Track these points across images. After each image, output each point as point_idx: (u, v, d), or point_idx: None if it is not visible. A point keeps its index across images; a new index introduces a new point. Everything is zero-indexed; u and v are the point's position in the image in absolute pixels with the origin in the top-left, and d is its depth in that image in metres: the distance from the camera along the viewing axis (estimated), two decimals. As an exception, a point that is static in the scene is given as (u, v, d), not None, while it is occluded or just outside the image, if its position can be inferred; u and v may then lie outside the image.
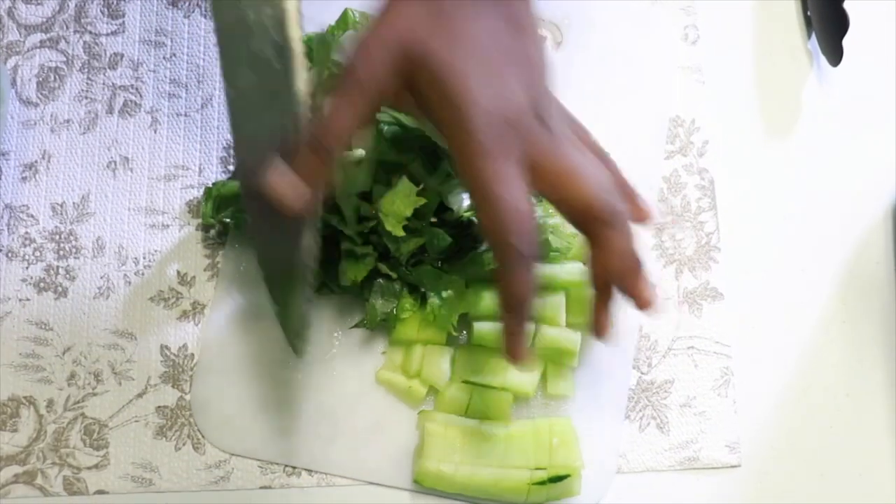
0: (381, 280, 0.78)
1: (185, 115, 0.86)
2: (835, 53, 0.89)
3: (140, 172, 0.84)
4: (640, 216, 0.69)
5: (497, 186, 0.59)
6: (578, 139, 0.65)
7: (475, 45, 0.60)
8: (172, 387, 0.80)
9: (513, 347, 0.64)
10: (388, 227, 0.74)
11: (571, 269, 0.79)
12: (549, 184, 0.62)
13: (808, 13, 0.91)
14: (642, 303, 0.66)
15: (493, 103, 0.59)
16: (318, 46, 0.83)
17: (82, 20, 0.88)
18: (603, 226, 0.62)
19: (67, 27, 0.87)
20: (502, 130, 0.59)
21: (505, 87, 0.60)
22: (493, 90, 0.59)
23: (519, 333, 0.63)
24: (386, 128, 0.76)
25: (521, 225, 0.59)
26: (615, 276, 0.65)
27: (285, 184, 0.60)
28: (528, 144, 0.60)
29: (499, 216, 0.59)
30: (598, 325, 0.68)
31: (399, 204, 0.74)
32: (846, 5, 0.87)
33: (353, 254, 0.76)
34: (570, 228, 0.79)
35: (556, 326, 0.78)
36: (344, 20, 0.85)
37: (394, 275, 0.78)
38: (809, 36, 0.91)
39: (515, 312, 0.62)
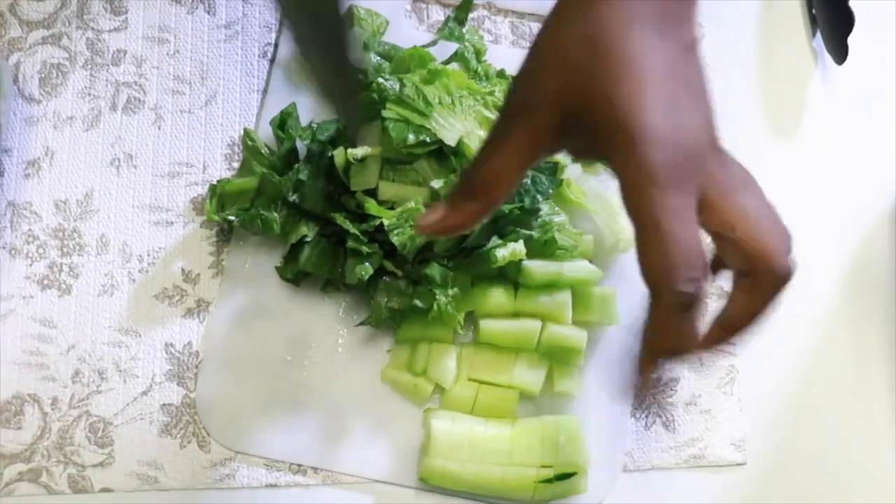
0: (386, 278, 0.78)
1: (189, 112, 0.85)
2: (840, 52, 0.89)
3: (144, 169, 0.84)
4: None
5: (669, 222, 0.51)
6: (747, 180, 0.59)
7: (645, 74, 0.53)
8: (177, 384, 0.79)
9: (646, 386, 0.63)
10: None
11: (578, 267, 0.79)
12: (723, 223, 0.55)
13: (814, 12, 0.91)
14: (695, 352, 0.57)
15: (671, 133, 0.52)
16: None
17: (85, 16, 0.87)
18: (768, 281, 0.56)
19: (70, 23, 0.87)
20: (679, 162, 0.52)
21: (683, 117, 0.53)
22: (670, 120, 0.52)
23: (653, 381, 0.60)
24: (391, 125, 0.76)
25: (692, 268, 0.51)
26: (731, 328, 0.58)
27: (434, 221, 0.58)
28: (706, 178, 0.54)
29: (668, 255, 0.50)
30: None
31: None
32: (851, 4, 0.88)
33: (359, 253, 0.76)
34: (576, 227, 0.80)
35: (562, 324, 0.78)
36: (349, 18, 0.85)
37: (399, 273, 0.78)
38: (814, 34, 0.91)
39: (659, 362, 0.56)
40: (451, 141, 0.76)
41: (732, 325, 0.58)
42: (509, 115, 0.56)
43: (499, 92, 0.80)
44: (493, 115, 0.79)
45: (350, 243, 0.76)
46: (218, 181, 0.81)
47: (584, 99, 0.53)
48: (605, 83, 0.52)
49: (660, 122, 0.52)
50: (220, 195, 0.80)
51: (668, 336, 0.53)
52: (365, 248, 0.76)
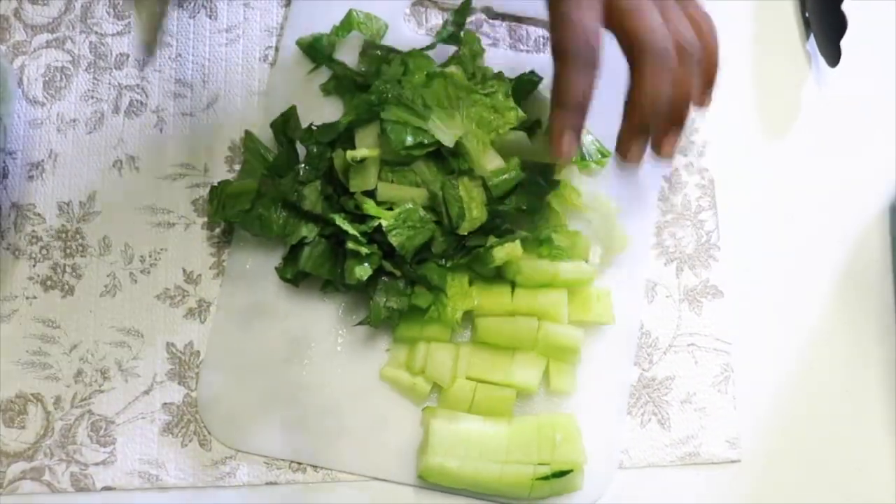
0: (385, 278, 0.79)
1: (191, 115, 0.86)
2: (833, 54, 0.89)
3: (146, 171, 0.85)
4: (708, 70, 0.77)
5: (574, 12, 0.69)
6: (681, 13, 0.74)
7: None
8: (178, 384, 0.80)
9: (560, 144, 0.71)
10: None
11: (574, 267, 0.80)
12: (616, 20, 0.71)
13: (807, 15, 0.92)
14: (657, 148, 0.75)
15: None
16: (322, 44, 0.84)
17: (88, 20, 0.88)
18: (642, 57, 0.71)
19: (73, 27, 0.88)
20: None
21: None
22: None
23: (568, 130, 0.71)
24: (390, 127, 0.77)
25: (586, 37, 0.69)
26: (642, 107, 0.72)
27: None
28: None
29: (567, 31, 0.69)
30: (622, 148, 0.76)
31: None
32: (844, 7, 0.88)
33: (358, 254, 0.77)
34: (572, 227, 0.81)
35: (559, 323, 0.79)
36: (348, 21, 0.86)
37: (398, 273, 0.78)
38: (808, 37, 0.92)
39: (569, 110, 0.70)
40: (448, 142, 0.77)
41: (632, 103, 0.73)
42: None
43: (498, 94, 0.81)
44: (491, 117, 0.80)
45: (349, 244, 0.77)
46: (219, 183, 0.82)
47: None
48: None
49: None
50: (221, 196, 0.81)
51: (568, 84, 0.70)
52: (364, 249, 0.76)
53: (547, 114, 0.74)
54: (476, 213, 0.77)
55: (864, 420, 0.83)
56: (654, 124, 0.74)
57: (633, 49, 0.71)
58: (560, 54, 0.70)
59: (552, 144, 0.72)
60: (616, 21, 0.71)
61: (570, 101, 0.70)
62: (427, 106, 0.78)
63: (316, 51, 0.86)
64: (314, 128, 0.82)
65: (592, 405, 0.80)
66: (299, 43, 0.86)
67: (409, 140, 0.77)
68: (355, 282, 0.77)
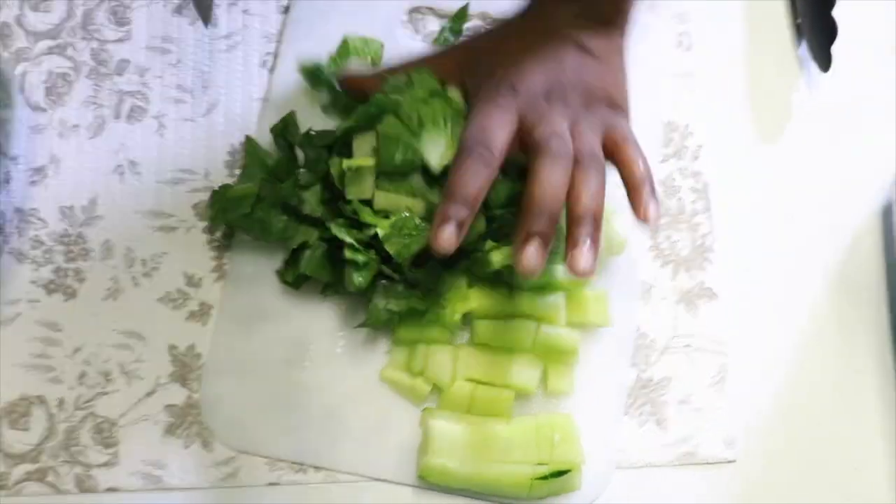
0: (384, 281, 0.79)
1: (191, 120, 0.87)
2: (824, 60, 0.91)
3: (147, 176, 0.85)
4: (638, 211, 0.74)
5: (479, 115, 0.73)
6: (593, 129, 0.75)
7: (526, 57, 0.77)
8: (181, 386, 0.81)
9: (439, 233, 0.69)
10: None
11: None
12: (523, 131, 0.73)
13: (798, 21, 0.93)
14: (569, 262, 0.70)
15: (510, 80, 0.75)
16: (323, 72, 0.85)
17: (89, 27, 0.89)
18: (536, 159, 0.70)
19: (75, 34, 0.89)
20: (507, 92, 0.74)
21: (530, 78, 0.75)
22: (517, 77, 0.75)
23: (450, 221, 0.69)
24: (383, 141, 0.77)
25: (486, 137, 0.71)
26: (531, 205, 0.70)
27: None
28: (524, 106, 0.74)
29: (470, 128, 0.72)
30: (515, 255, 0.71)
31: None
32: (835, 13, 0.89)
33: (356, 262, 0.77)
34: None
35: (556, 325, 0.80)
36: (345, 49, 0.86)
37: (396, 276, 0.79)
38: (799, 43, 0.93)
39: (456, 202, 0.69)
40: (435, 165, 0.76)
41: (523, 203, 0.71)
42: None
43: None
44: None
45: (347, 253, 0.77)
46: (219, 187, 0.82)
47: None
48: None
49: (507, 77, 0.76)
50: (221, 200, 0.81)
51: (459, 176, 0.70)
52: (361, 258, 0.77)
53: None
54: (477, 226, 0.78)
55: (860, 420, 0.84)
56: (568, 231, 0.71)
57: (532, 153, 0.72)
58: (459, 149, 0.71)
59: (432, 234, 0.69)
60: (525, 135, 0.73)
61: (458, 194, 0.69)
62: (422, 124, 0.78)
63: (317, 79, 0.86)
64: (312, 132, 0.83)
65: (590, 406, 0.81)
66: (301, 71, 0.86)
67: (399, 157, 0.76)
68: (354, 289, 0.77)
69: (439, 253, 0.69)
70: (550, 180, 0.69)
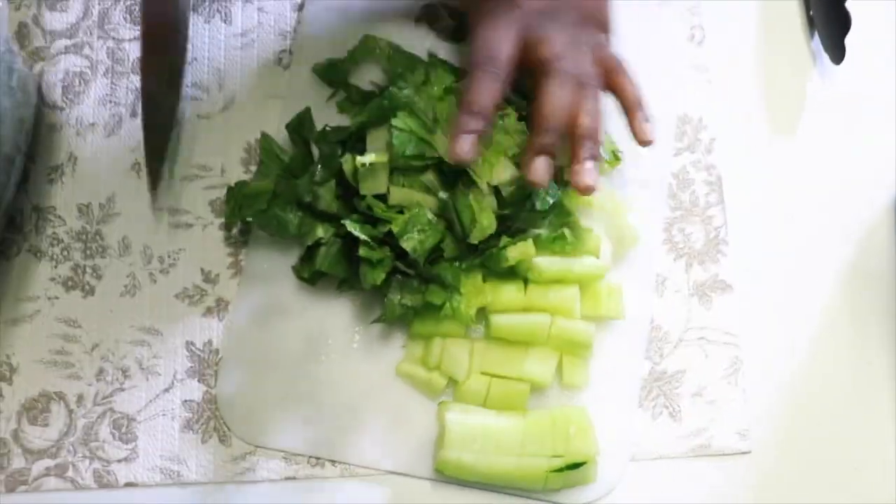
0: (399, 276, 0.79)
1: (207, 118, 0.88)
2: (837, 52, 0.90)
3: (163, 173, 0.86)
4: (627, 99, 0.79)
5: (485, 31, 0.76)
6: (587, 49, 0.78)
7: None
8: (198, 381, 0.82)
9: (456, 145, 0.74)
10: (483, 178, 0.79)
11: (586, 263, 0.81)
12: (529, 52, 0.76)
13: (811, 13, 0.93)
14: (574, 178, 0.75)
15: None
16: (339, 69, 0.85)
17: (106, 26, 0.90)
18: (545, 79, 0.75)
19: (91, 33, 0.89)
20: (508, 9, 0.77)
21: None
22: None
23: (467, 134, 0.74)
24: (396, 134, 0.77)
25: (493, 52, 0.75)
26: (541, 122, 0.75)
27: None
28: (525, 22, 0.77)
29: (477, 44, 0.76)
30: (524, 165, 0.76)
31: (505, 141, 0.80)
32: (848, 5, 0.89)
33: (370, 261, 0.78)
34: (584, 224, 0.82)
35: (571, 318, 0.80)
36: (365, 46, 0.86)
37: (412, 273, 0.79)
38: (812, 35, 0.93)
39: (471, 114, 0.74)
40: (451, 160, 0.76)
41: (533, 119, 0.76)
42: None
43: (510, 117, 0.81)
44: (502, 139, 0.80)
45: (361, 251, 0.77)
46: (236, 184, 0.83)
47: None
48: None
49: None
50: (237, 198, 0.82)
51: (473, 92, 0.74)
52: (375, 255, 0.77)
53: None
54: (486, 222, 0.78)
55: (874, 411, 0.84)
56: (571, 150, 0.76)
57: (538, 73, 0.76)
58: (470, 65, 0.76)
59: (450, 145, 0.74)
60: (528, 53, 0.77)
61: (472, 107, 0.74)
62: (437, 120, 0.79)
63: (332, 75, 0.87)
64: (328, 128, 0.84)
65: (605, 398, 0.82)
66: (315, 70, 0.87)
67: (411, 150, 0.77)
68: (369, 287, 0.78)
69: (458, 162, 0.74)
70: (559, 99, 0.75)
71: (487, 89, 0.74)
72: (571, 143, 0.76)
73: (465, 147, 0.73)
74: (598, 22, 0.81)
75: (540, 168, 0.75)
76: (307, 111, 0.84)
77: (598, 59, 0.79)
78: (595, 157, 0.75)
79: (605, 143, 0.85)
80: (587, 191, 0.75)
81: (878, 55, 0.93)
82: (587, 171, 0.75)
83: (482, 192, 0.78)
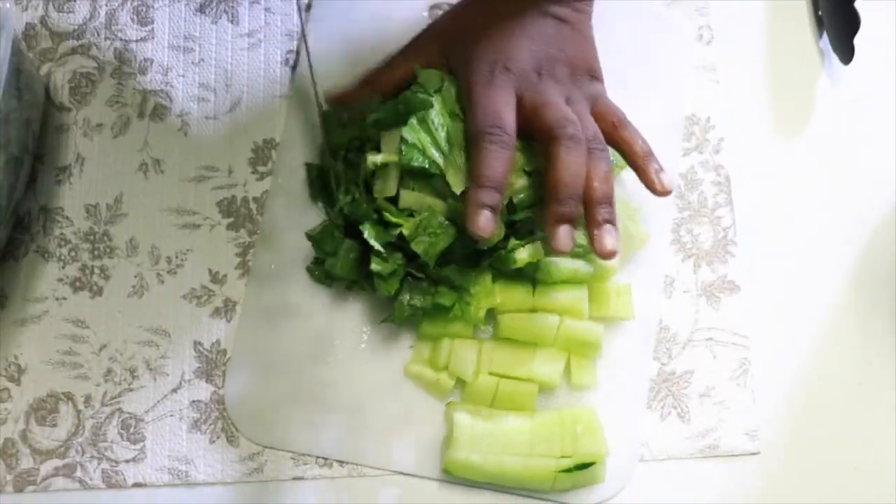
0: (409, 278, 0.79)
1: (214, 118, 0.88)
2: (846, 52, 0.90)
3: (171, 174, 0.86)
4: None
5: (484, 99, 0.75)
6: (585, 105, 0.78)
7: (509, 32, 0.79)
8: (206, 382, 0.82)
9: (475, 221, 0.72)
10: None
11: (594, 264, 0.81)
12: (530, 117, 0.75)
13: (820, 13, 0.93)
14: (594, 244, 0.74)
15: (501, 61, 0.77)
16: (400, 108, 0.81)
17: (113, 27, 0.90)
18: (555, 145, 0.73)
19: (98, 34, 0.89)
20: (502, 73, 0.76)
21: (519, 56, 0.77)
22: (507, 57, 0.77)
23: (483, 208, 0.72)
24: (405, 147, 0.76)
25: (495, 119, 0.74)
26: (557, 191, 0.73)
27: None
28: (519, 84, 0.76)
29: (478, 113, 0.74)
30: (548, 235, 0.74)
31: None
32: (857, 5, 0.89)
33: (382, 275, 0.77)
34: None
35: (579, 319, 0.80)
36: (429, 80, 0.81)
37: (421, 275, 0.79)
38: (821, 35, 0.93)
39: (483, 188, 0.72)
40: (457, 189, 0.76)
41: (549, 189, 0.74)
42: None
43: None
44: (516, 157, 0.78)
45: (373, 265, 0.77)
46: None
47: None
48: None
49: (492, 55, 0.78)
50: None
51: (481, 164, 0.73)
52: (387, 269, 0.77)
53: None
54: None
55: (881, 411, 0.84)
56: (588, 215, 0.75)
57: (546, 140, 0.74)
58: (473, 135, 0.74)
59: (468, 221, 0.72)
60: (531, 118, 0.75)
61: (485, 181, 0.73)
62: (452, 145, 0.77)
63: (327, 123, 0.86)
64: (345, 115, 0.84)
65: (613, 399, 0.82)
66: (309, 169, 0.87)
67: (418, 163, 0.76)
68: (385, 296, 0.78)
69: (480, 238, 0.73)
70: (571, 165, 0.73)
71: (497, 160, 0.73)
72: (586, 207, 0.74)
73: (484, 222, 0.72)
74: (591, 71, 0.81)
75: (564, 237, 0.73)
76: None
77: (598, 115, 0.78)
78: (611, 221, 0.74)
79: (631, 224, 0.85)
80: (609, 255, 0.73)
81: (887, 55, 0.93)
82: (607, 235, 0.73)
83: None
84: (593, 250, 0.74)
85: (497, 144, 0.73)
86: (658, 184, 0.77)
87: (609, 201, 0.74)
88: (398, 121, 0.77)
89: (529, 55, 0.78)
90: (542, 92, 0.76)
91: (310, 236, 0.83)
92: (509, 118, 0.75)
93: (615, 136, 0.78)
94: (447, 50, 0.81)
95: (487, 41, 0.78)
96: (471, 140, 0.75)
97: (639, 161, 0.78)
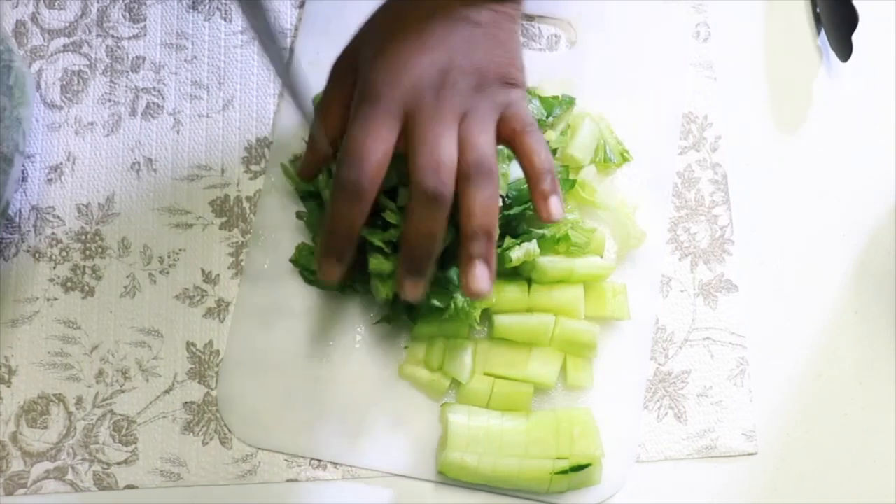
0: None
1: (207, 117, 0.87)
2: (844, 49, 0.90)
3: (163, 173, 0.85)
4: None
5: (357, 129, 0.69)
6: (487, 119, 0.71)
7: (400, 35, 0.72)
8: (199, 383, 0.81)
9: (322, 267, 0.70)
10: None
11: (590, 263, 0.80)
12: (407, 146, 0.69)
13: (818, 10, 0.92)
14: (465, 284, 0.70)
15: (392, 73, 0.70)
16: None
17: (104, 24, 0.89)
18: (413, 196, 0.68)
19: (90, 31, 0.89)
20: (386, 99, 0.69)
21: (414, 69, 0.70)
22: (401, 68, 0.70)
23: (331, 256, 0.70)
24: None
25: (359, 164, 0.67)
26: (407, 245, 0.70)
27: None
28: (408, 102, 0.69)
29: (344, 150, 0.69)
30: (398, 284, 0.71)
31: None
32: (855, 2, 0.88)
33: (382, 275, 0.77)
34: (588, 224, 0.81)
35: (575, 319, 0.80)
36: None
37: None
38: (819, 32, 0.92)
39: (332, 235, 0.69)
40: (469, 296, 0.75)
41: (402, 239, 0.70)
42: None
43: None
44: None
45: (372, 264, 0.76)
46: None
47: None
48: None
49: (382, 71, 0.71)
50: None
51: (335, 218, 0.69)
52: (387, 268, 0.76)
53: None
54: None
55: (878, 411, 0.84)
56: (461, 249, 0.70)
57: (410, 167, 0.69)
58: (335, 182, 0.69)
59: (316, 263, 0.71)
60: (408, 154, 0.70)
61: (333, 229, 0.69)
62: None
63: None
64: None
65: (609, 399, 0.81)
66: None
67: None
68: (382, 300, 0.77)
69: (325, 281, 0.71)
70: (421, 227, 0.69)
71: (348, 216, 0.69)
72: (462, 241, 0.70)
73: (327, 269, 0.70)
74: (505, 77, 0.73)
75: (411, 289, 0.70)
76: None
77: (502, 120, 0.72)
78: (485, 256, 0.69)
79: (612, 145, 0.85)
80: (478, 296, 0.69)
81: (886, 53, 0.93)
82: (476, 276, 0.69)
83: None
84: (461, 288, 0.70)
85: (349, 201, 0.68)
86: (544, 209, 0.72)
87: (487, 233, 0.69)
88: None
89: (429, 67, 0.70)
90: (428, 119, 0.69)
91: (293, 262, 0.82)
92: (373, 162, 0.68)
93: (514, 143, 0.72)
94: (358, 64, 0.74)
95: (383, 58, 0.71)
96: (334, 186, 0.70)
97: (535, 174, 0.72)
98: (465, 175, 0.68)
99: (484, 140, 0.70)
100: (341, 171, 0.68)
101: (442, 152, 0.68)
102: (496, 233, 0.70)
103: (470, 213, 0.68)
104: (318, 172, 0.79)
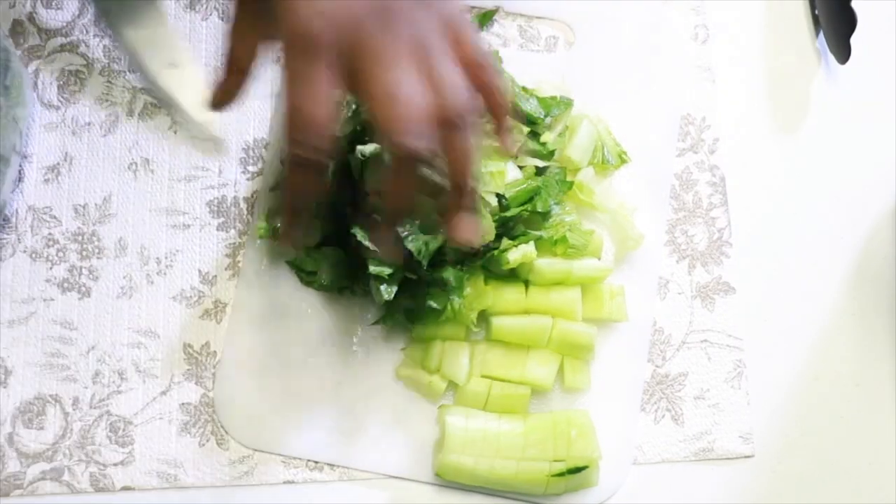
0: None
1: (204, 117, 0.87)
2: (843, 51, 0.90)
3: (160, 174, 0.85)
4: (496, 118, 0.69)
5: (292, 90, 0.61)
6: (444, 50, 0.63)
7: None
8: (196, 384, 0.81)
9: (283, 236, 0.68)
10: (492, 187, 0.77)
11: (587, 265, 0.80)
12: (355, 81, 0.61)
13: (816, 12, 0.92)
14: (451, 232, 0.67)
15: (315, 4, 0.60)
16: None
17: (102, 24, 0.89)
18: (389, 142, 0.61)
19: (87, 31, 0.88)
20: (315, 34, 0.60)
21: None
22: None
23: (292, 228, 0.67)
24: None
25: (307, 130, 0.61)
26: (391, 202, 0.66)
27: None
28: (342, 41, 0.60)
29: (286, 119, 0.61)
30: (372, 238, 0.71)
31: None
32: (854, 4, 0.88)
33: (381, 277, 0.76)
34: (586, 226, 0.81)
35: (573, 321, 0.79)
36: None
37: (415, 277, 0.78)
38: (817, 34, 0.92)
39: (286, 210, 0.66)
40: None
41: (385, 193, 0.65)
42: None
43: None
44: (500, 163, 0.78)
45: (371, 268, 0.76)
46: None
47: None
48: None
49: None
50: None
51: (293, 187, 0.64)
52: (386, 271, 0.76)
53: None
54: (486, 227, 0.77)
55: (875, 414, 0.84)
56: (449, 202, 0.66)
57: (377, 123, 0.61)
58: (286, 150, 0.63)
59: (450, 231, 0.67)
60: (356, 83, 0.61)
61: (292, 201, 0.66)
62: None
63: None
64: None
65: (607, 402, 0.81)
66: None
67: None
68: (382, 302, 0.77)
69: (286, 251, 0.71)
70: (407, 184, 0.64)
71: (305, 192, 0.65)
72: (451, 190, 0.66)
73: (470, 233, 0.66)
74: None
75: (385, 248, 0.69)
76: None
77: (467, 63, 0.65)
78: (470, 206, 0.66)
79: (610, 147, 0.84)
80: (466, 244, 0.67)
81: (884, 55, 0.93)
82: (461, 223, 0.67)
83: (484, 201, 0.78)
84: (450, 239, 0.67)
85: (299, 174, 0.63)
86: (508, 140, 0.70)
87: (473, 181, 0.65)
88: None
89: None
90: (380, 61, 0.61)
91: (290, 263, 0.82)
92: (321, 125, 0.61)
93: (477, 80, 0.65)
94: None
95: None
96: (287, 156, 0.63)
97: (499, 111, 0.68)
98: (441, 121, 0.62)
99: (448, 70, 0.63)
100: (291, 140, 0.61)
101: (411, 101, 0.61)
102: (480, 176, 0.67)
103: (454, 162, 0.64)
104: (232, 101, 0.70)
